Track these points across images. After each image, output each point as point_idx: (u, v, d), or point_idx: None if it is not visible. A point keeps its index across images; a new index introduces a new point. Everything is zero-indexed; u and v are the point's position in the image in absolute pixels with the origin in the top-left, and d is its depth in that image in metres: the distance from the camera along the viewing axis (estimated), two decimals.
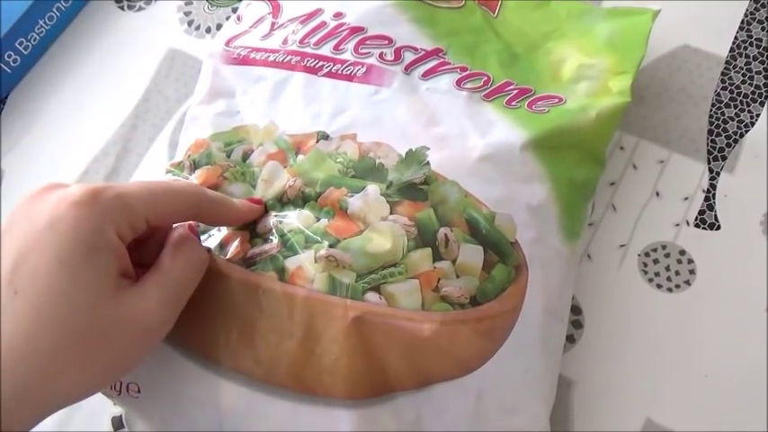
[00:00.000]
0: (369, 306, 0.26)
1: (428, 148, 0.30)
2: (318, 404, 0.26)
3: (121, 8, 0.45)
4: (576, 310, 0.34)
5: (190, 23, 0.43)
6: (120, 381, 0.28)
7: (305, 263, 0.27)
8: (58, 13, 0.43)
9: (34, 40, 0.43)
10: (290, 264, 0.27)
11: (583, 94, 0.33)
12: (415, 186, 0.29)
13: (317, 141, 0.31)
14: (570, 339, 0.33)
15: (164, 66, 0.42)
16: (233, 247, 0.28)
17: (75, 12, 0.45)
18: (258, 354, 0.27)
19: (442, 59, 0.33)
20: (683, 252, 0.35)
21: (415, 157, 0.30)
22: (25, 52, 0.42)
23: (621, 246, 0.35)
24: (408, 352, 0.26)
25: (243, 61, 0.34)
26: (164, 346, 0.28)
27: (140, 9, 0.45)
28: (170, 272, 0.25)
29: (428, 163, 0.29)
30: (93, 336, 0.22)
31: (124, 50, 0.43)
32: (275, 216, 0.29)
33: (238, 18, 0.36)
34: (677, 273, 0.34)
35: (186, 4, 0.44)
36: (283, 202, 0.29)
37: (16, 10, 0.41)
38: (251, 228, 0.29)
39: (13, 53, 0.42)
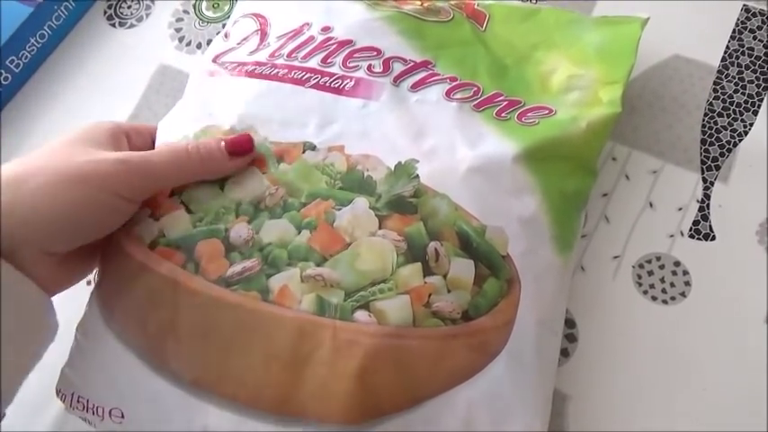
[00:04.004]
0: (358, 327, 0.26)
1: (417, 161, 0.30)
2: (308, 428, 0.26)
3: (113, 25, 0.45)
4: (569, 323, 0.33)
5: (181, 39, 0.44)
6: (101, 407, 0.28)
7: (290, 283, 0.27)
8: (49, 31, 0.43)
9: (26, 59, 0.43)
10: (275, 283, 0.27)
11: (573, 104, 0.33)
12: (405, 199, 0.29)
13: (304, 152, 0.30)
14: (564, 353, 0.33)
15: (154, 81, 0.42)
16: (210, 264, 0.28)
17: (66, 29, 0.45)
18: (243, 377, 0.26)
19: (431, 71, 0.33)
20: (677, 263, 0.34)
21: (404, 170, 0.29)
22: (17, 70, 0.42)
23: (615, 257, 0.35)
24: (400, 371, 0.26)
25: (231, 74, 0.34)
26: (146, 370, 0.27)
27: (132, 26, 0.45)
28: None
29: (417, 176, 0.29)
30: None
31: (116, 67, 0.43)
32: (249, 226, 0.28)
33: (226, 35, 0.36)
34: (672, 284, 0.34)
35: (177, 20, 0.44)
36: (259, 208, 0.29)
37: (8, 28, 0.41)
38: (224, 238, 0.28)
39: (4, 71, 0.42)
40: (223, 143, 0.29)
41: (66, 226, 0.26)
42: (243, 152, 0.30)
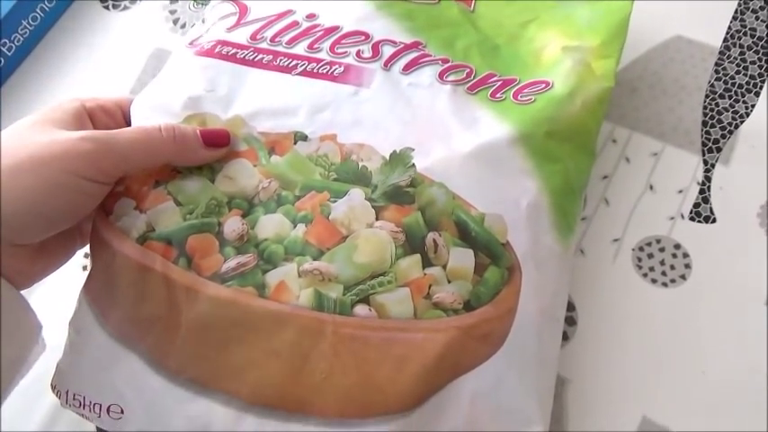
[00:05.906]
0: (358, 321, 0.26)
1: (413, 149, 0.29)
2: (309, 423, 0.26)
3: (106, 8, 0.44)
4: (569, 306, 0.33)
5: (175, 22, 0.43)
6: (98, 404, 0.27)
7: (287, 278, 0.26)
8: (42, 14, 0.43)
9: (18, 41, 0.42)
10: (271, 278, 0.26)
11: (568, 73, 0.32)
12: (401, 189, 0.28)
13: (295, 142, 0.30)
14: (564, 337, 0.33)
15: (149, 65, 0.42)
16: (204, 260, 0.27)
17: (59, 12, 0.44)
18: (242, 374, 0.26)
19: (422, 51, 0.32)
20: (677, 246, 0.34)
21: (399, 159, 0.29)
22: (9, 53, 0.42)
23: (615, 240, 0.35)
24: (402, 365, 0.26)
25: (207, 53, 0.32)
26: (143, 366, 0.27)
27: (125, 8, 0.44)
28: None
29: (413, 165, 0.28)
30: None
31: (110, 50, 0.43)
32: (243, 220, 0.28)
33: (203, 21, 0.35)
34: (672, 267, 0.34)
35: (171, 2, 0.44)
36: (253, 202, 0.28)
37: None
38: (218, 232, 0.27)
39: None
40: (198, 131, 0.28)
41: (31, 215, 0.25)
42: (218, 144, 0.29)
